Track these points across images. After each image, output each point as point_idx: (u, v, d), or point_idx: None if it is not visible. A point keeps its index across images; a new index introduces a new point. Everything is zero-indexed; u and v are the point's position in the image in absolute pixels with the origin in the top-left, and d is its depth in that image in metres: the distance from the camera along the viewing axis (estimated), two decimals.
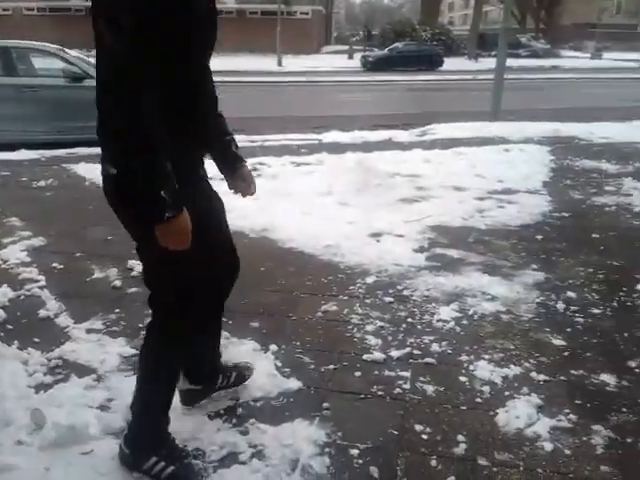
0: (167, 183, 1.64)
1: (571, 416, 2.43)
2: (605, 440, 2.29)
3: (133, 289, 3.63)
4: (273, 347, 2.95)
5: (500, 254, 4.28)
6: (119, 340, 3.01)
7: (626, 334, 3.11)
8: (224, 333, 3.05)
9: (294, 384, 2.64)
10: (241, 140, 10.00)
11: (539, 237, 4.65)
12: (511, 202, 5.57)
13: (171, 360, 2.11)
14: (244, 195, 2.32)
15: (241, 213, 5.07)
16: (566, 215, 5.23)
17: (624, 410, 2.47)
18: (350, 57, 36.39)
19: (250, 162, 7.38)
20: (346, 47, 41.26)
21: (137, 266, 3.92)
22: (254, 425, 2.37)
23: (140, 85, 1.55)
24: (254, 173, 7.12)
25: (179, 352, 2.14)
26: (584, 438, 2.30)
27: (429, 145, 8.69)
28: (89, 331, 3.11)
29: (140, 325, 3.17)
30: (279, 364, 2.80)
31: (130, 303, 3.46)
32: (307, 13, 42.35)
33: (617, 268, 4.02)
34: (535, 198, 5.74)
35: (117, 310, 3.35)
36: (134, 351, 2.90)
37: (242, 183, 2.27)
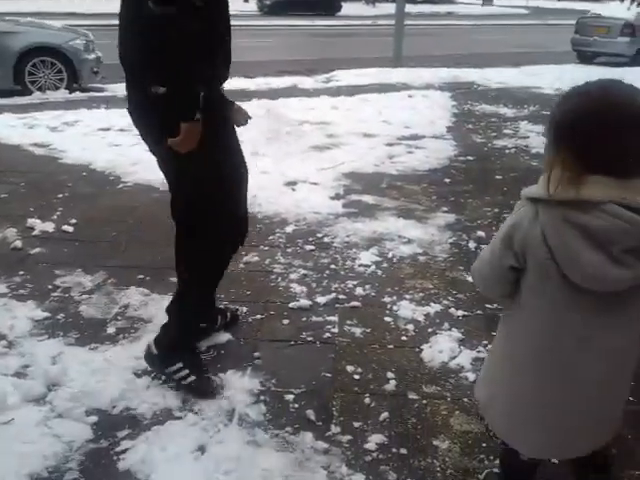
0: (204, 92, 1.95)
1: (490, 347, 2.57)
2: None
3: (36, 249, 3.38)
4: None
5: (412, 198, 4.39)
6: (28, 304, 2.81)
7: None
8: (143, 290, 2.96)
9: (223, 337, 2.60)
10: None
11: (447, 180, 4.81)
12: (419, 147, 5.70)
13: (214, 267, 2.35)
14: (244, 122, 2.46)
15: (148, 165, 4.81)
16: (471, 158, 5.43)
17: None
18: (246, 0, 35.07)
19: None
20: None
21: (38, 225, 3.66)
22: None
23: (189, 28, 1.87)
24: None
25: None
26: None
27: (335, 92, 8.64)
28: None
29: (49, 287, 2.99)
30: None
31: (34, 264, 3.23)
32: None
33: None
34: (441, 143, 5.90)
35: (21, 272, 3.11)
36: (46, 314, 2.73)
37: (238, 115, 2.42)
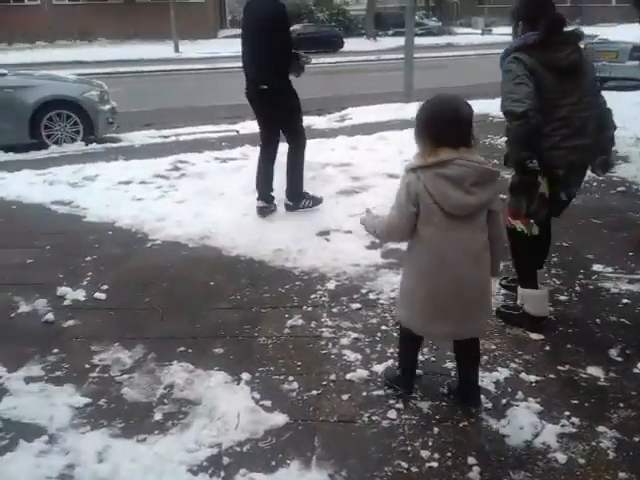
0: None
1: (573, 419, 2.35)
2: (613, 442, 2.22)
3: (69, 322, 3.20)
4: (246, 376, 2.67)
5: None
6: (66, 388, 2.61)
7: None
8: (187, 365, 2.76)
9: (279, 418, 2.39)
10: (152, 135, 9.34)
11: None
12: None
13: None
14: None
15: (173, 221, 4.69)
16: (502, 196, 5.23)
17: (621, 405, 2.43)
18: None
19: (170, 161, 6.91)
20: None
21: (69, 293, 3.49)
22: (246, 476, 2.10)
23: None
24: (176, 173, 6.62)
25: None
26: (593, 443, 2.22)
27: (351, 131, 8.54)
28: (28, 380, 2.67)
29: (87, 366, 2.79)
30: (257, 396, 2.53)
31: (69, 340, 3.04)
32: None
33: (567, 249, 4.06)
34: None
35: (56, 350, 2.93)
36: (86, 399, 2.54)
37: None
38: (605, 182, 5.59)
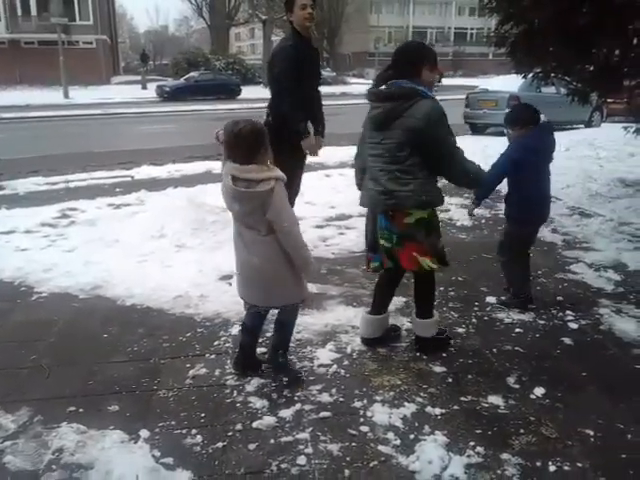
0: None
1: (479, 449, 2.38)
2: (518, 469, 2.27)
3: None
4: (144, 433, 2.49)
5: (356, 283, 4.24)
6: None
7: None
8: (78, 426, 2.54)
9: (183, 476, 2.23)
10: (38, 183, 8.83)
11: None
12: (349, 227, 5.63)
13: None
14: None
15: (62, 271, 4.41)
16: None
17: (522, 432, 2.50)
18: (144, 87, 35.13)
19: (58, 208, 6.53)
20: (137, 77, 39.80)
21: None
22: None
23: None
24: (65, 221, 6.24)
25: None
26: (498, 471, 2.26)
27: None
28: None
29: None
30: (158, 454, 2.36)
31: None
32: (91, 43, 40.07)
33: (462, 283, 4.22)
34: None
35: None
36: None
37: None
38: (492, 219, 5.94)
